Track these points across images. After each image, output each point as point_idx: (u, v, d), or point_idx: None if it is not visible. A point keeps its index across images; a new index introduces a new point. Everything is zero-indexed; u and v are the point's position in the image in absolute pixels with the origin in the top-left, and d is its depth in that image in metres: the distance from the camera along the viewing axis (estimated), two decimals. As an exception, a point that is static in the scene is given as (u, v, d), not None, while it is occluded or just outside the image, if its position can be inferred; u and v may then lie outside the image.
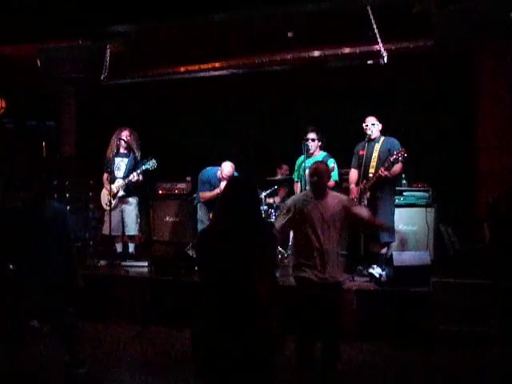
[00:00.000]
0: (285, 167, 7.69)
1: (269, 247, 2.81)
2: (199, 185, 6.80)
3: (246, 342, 2.58)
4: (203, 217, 6.70)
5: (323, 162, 4.58)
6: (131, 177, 6.60)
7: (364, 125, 5.86)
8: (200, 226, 6.62)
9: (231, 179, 5.16)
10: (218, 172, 6.60)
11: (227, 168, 6.49)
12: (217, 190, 6.53)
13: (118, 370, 4.51)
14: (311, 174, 4.17)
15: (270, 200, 7.53)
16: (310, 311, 3.90)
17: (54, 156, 8.79)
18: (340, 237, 4.07)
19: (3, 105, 8.15)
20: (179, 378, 4.17)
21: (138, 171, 6.60)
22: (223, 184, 6.43)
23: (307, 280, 3.93)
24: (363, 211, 4.51)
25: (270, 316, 2.62)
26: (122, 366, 4.60)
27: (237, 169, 6.65)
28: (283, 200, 7.65)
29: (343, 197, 4.34)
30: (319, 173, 4.10)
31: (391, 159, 5.46)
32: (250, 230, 2.69)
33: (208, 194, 6.62)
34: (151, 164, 6.58)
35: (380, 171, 5.51)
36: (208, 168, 6.81)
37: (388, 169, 5.52)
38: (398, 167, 5.60)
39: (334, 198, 4.12)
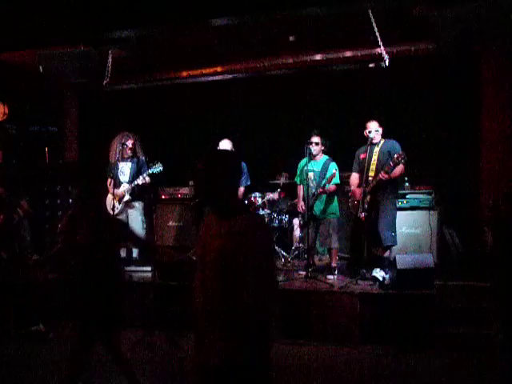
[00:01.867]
0: (285, 174, 7.66)
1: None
2: None
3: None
4: None
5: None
6: (138, 180, 6.58)
7: (367, 131, 5.84)
8: None
9: None
10: None
11: (223, 144, 6.46)
12: None
13: (120, 375, 4.49)
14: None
15: (270, 195, 7.46)
16: None
17: (56, 161, 8.80)
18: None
19: (6, 111, 8.15)
20: None
21: (145, 174, 6.58)
22: None
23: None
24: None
25: None
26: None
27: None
28: (283, 202, 7.65)
29: (260, 222, 2.60)
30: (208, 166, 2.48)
31: (391, 163, 5.45)
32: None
33: None
34: (157, 168, 6.55)
35: (380, 175, 5.50)
36: None
37: (388, 172, 5.50)
38: (398, 169, 5.59)
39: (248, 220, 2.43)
